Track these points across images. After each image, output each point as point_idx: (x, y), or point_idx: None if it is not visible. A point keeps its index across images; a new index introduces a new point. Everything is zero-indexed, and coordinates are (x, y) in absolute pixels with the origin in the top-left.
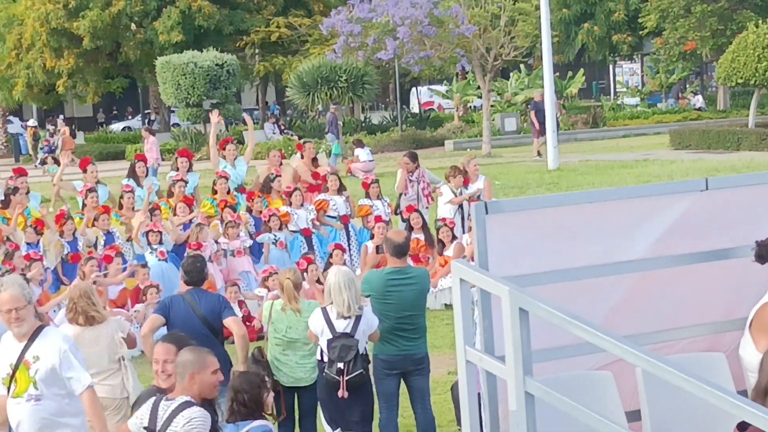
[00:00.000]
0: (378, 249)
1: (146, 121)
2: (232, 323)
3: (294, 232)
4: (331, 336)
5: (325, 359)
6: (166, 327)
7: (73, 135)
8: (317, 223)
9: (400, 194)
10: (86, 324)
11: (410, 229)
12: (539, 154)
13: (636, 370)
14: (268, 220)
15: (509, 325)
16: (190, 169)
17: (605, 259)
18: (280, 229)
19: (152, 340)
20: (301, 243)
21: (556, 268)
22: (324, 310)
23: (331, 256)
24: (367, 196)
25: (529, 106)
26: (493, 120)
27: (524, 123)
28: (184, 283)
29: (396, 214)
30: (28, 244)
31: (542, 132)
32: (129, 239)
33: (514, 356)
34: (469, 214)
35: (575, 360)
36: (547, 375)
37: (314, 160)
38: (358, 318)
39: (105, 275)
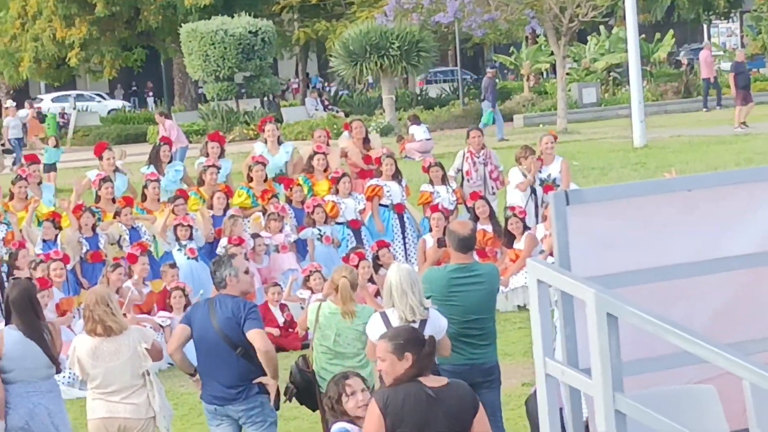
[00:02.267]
0: (439, 243)
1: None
2: (255, 336)
3: (340, 224)
4: None
5: None
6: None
7: (41, 120)
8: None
9: (462, 179)
10: (105, 334)
11: (475, 219)
12: (744, 124)
13: (743, 383)
14: (312, 212)
15: (595, 333)
16: (221, 155)
17: (707, 255)
18: (326, 222)
19: (182, 355)
20: (348, 236)
21: (650, 267)
22: (384, 315)
23: (377, 257)
24: (430, 181)
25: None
26: (569, 91)
27: (605, 93)
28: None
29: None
30: (44, 241)
31: (746, 98)
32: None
33: (601, 369)
34: (543, 202)
35: (672, 373)
36: (639, 390)
37: (365, 140)
38: (424, 322)
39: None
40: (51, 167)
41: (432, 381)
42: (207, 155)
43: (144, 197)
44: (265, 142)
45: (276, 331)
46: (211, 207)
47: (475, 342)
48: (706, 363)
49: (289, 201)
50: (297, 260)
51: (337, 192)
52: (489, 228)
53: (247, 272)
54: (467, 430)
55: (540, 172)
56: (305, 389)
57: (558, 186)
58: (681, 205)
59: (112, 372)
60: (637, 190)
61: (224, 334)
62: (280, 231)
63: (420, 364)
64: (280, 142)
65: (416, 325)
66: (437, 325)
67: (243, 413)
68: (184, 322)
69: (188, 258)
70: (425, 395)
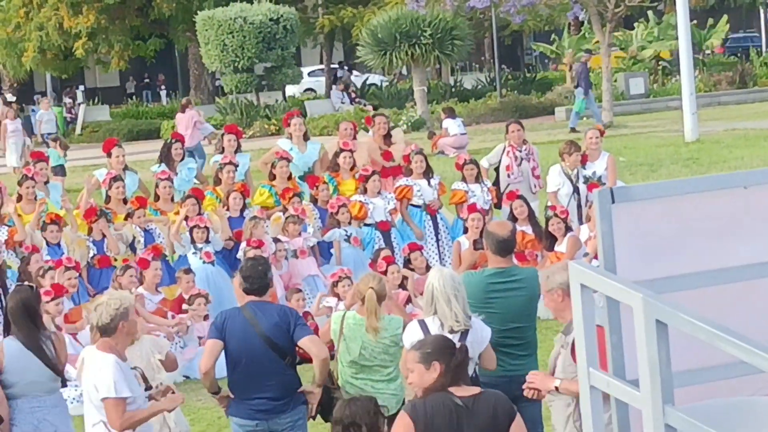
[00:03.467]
0: (476, 245)
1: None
2: (309, 344)
3: (368, 225)
4: None
5: None
6: (223, 350)
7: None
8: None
9: (497, 171)
10: None
11: (513, 219)
12: None
13: None
14: (336, 212)
15: (644, 341)
16: (238, 150)
17: (766, 257)
18: (350, 222)
19: (213, 375)
20: (377, 239)
21: (703, 269)
22: (422, 323)
23: (409, 261)
24: (463, 179)
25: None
26: (615, 81)
27: (654, 84)
28: (244, 292)
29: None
30: (49, 245)
31: None
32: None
33: (650, 380)
34: (587, 201)
35: (727, 384)
36: (691, 403)
37: (387, 136)
38: (466, 332)
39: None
40: (59, 170)
41: (462, 391)
42: (222, 150)
43: (157, 197)
44: (290, 138)
45: None
46: (227, 207)
47: (515, 352)
48: (765, 374)
49: (314, 201)
50: (318, 265)
51: (365, 191)
52: (528, 229)
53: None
54: None
55: (584, 168)
56: (331, 406)
57: (603, 184)
58: (736, 204)
59: None
60: (688, 186)
61: (272, 342)
62: (299, 234)
63: (450, 374)
64: (306, 138)
65: (458, 336)
66: (480, 336)
67: (289, 425)
68: (214, 337)
69: (204, 262)
70: (454, 406)
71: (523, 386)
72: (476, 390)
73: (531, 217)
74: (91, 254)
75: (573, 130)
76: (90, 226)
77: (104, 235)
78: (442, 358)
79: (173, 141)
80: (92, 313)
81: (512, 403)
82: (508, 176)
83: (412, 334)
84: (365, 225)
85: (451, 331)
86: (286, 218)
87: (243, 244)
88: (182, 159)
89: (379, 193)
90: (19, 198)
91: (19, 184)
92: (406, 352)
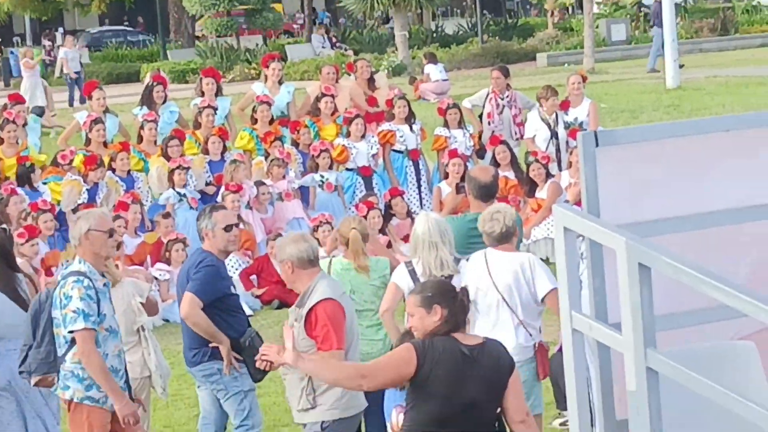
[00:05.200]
0: (458, 189)
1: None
2: (183, 299)
3: (350, 170)
4: None
5: None
6: None
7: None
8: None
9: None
10: None
11: (496, 164)
12: None
13: None
14: (318, 155)
15: (626, 284)
16: (218, 93)
17: (748, 201)
18: (331, 167)
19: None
20: (358, 184)
21: (686, 214)
22: (410, 266)
23: (390, 207)
24: (445, 124)
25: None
26: (597, 27)
27: (635, 30)
28: None
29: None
30: (25, 188)
31: None
32: None
33: (632, 324)
34: (568, 147)
35: (709, 328)
36: (673, 346)
37: (370, 81)
38: (450, 278)
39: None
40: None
41: (467, 339)
42: (202, 94)
43: (140, 139)
44: (265, 81)
45: (256, 291)
46: (206, 152)
47: None
48: (746, 317)
49: (295, 144)
50: (303, 208)
51: (348, 135)
52: (511, 174)
53: (228, 229)
54: (502, 391)
55: (566, 114)
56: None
57: (585, 130)
58: (721, 148)
59: None
60: (672, 130)
61: (182, 290)
62: (283, 177)
63: (452, 319)
64: (281, 82)
65: None
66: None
67: (203, 380)
68: None
69: (190, 208)
70: (460, 353)
71: (255, 357)
72: (480, 339)
73: (514, 162)
74: (81, 200)
75: (653, 70)
76: (87, 172)
77: (96, 183)
78: (444, 301)
79: (155, 84)
80: (488, 222)
81: (510, 354)
82: (489, 124)
83: (400, 276)
84: (347, 170)
85: (432, 277)
86: (270, 161)
87: (222, 188)
88: (164, 102)
89: (363, 137)
90: (1, 141)
91: (0, 128)
92: (393, 287)
